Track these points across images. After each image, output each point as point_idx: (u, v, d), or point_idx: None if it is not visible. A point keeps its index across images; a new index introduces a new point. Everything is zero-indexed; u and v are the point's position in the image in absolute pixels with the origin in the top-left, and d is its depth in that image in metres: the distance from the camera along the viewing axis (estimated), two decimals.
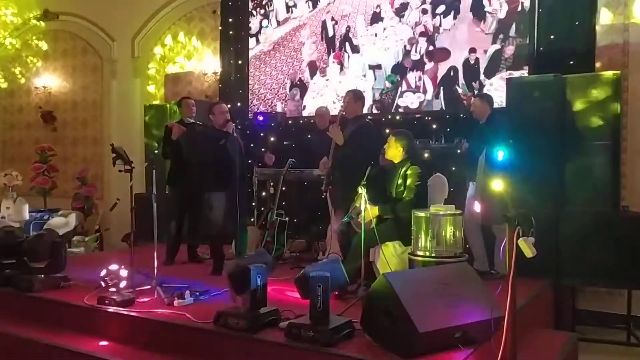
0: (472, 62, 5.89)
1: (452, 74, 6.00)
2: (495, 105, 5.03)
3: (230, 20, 7.32)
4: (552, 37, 5.35)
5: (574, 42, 5.24)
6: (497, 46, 5.75)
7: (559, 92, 4.84)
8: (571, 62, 5.18)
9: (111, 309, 3.84)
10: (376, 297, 3.12)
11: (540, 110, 4.83)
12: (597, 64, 5.28)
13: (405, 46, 6.26)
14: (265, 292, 3.41)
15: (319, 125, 5.65)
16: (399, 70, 6.30)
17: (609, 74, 4.95)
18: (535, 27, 5.48)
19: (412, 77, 6.21)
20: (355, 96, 4.99)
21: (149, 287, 4.20)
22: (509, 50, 5.69)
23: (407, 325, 2.85)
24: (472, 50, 5.88)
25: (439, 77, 6.06)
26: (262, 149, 6.05)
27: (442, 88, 6.05)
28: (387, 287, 3.01)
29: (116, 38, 8.66)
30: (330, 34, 6.72)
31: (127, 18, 8.37)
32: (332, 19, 6.71)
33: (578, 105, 4.80)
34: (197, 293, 4.09)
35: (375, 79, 6.46)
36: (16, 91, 9.78)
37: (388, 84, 6.36)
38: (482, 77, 5.82)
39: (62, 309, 4.11)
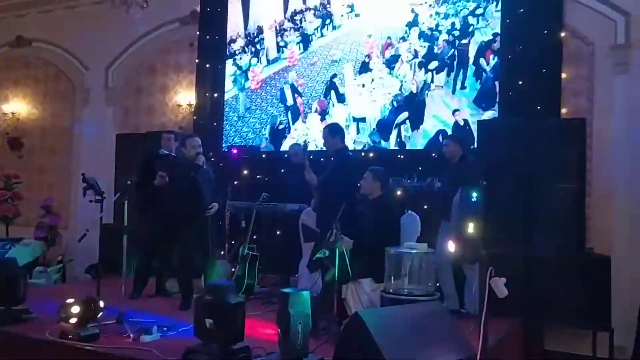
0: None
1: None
2: None
3: (207, 53, 7.38)
4: (520, 82, 5.54)
5: (541, 87, 5.44)
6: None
7: (526, 136, 4.99)
8: (538, 107, 5.37)
9: (74, 344, 3.70)
10: (349, 334, 3.09)
11: (508, 153, 4.97)
12: (563, 110, 5.49)
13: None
14: (243, 327, 3.32)
15: (293, 161, 5.70)
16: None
17: (574, 119, 5.15)
18: (505, 71, 5.67)
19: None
20: (332, 131, 4.97)
21: (114, 321, 4.08)
22: None
23: None
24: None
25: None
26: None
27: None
28: (360, 325, 2.99)
29: (90, 67, 8.60)
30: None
31: (102, 47, 8.34)
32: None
33: (544, 149, 4.94)
34: (165, 328, 3.97)
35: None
36: None
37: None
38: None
39: (23, 343, 3.94)
